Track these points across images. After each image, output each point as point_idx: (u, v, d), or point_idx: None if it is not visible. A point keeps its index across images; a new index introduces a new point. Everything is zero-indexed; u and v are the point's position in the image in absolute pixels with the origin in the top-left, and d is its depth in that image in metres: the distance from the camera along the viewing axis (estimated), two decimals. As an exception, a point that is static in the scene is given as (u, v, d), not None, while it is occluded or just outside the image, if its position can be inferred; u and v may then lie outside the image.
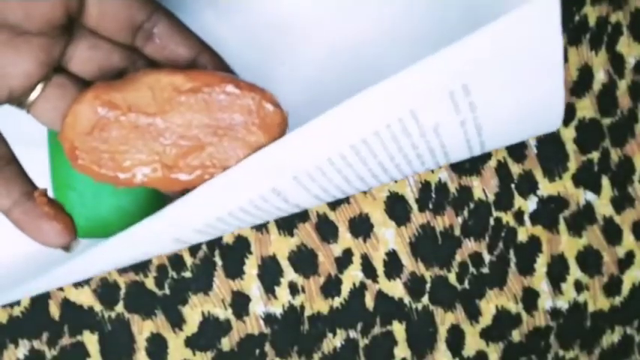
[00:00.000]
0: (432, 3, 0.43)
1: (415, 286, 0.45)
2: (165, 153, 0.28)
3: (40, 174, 0.40)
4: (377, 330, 0.45)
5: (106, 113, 0.27)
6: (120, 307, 0.42)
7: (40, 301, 0.41)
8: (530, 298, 0.47)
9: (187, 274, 0.43)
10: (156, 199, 0.40)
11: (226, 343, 0.44)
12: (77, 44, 0.28)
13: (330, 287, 0.45)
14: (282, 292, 0.44)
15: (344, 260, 0.45)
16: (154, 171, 0.28)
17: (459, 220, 0.45)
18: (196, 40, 0.30)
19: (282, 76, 0.43)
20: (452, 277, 0.46)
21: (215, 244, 0.43)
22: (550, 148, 0.47)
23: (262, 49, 0.42)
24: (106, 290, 0.42)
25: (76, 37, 0.28)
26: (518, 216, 0.47)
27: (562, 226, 0.48)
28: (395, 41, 0.43)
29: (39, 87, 0.28)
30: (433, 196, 0.44)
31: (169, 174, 0.28)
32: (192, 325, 0.43)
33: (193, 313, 0.43)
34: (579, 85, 0.47)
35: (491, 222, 0.46)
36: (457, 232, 0.45)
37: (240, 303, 0.44)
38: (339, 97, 0.43)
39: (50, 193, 0.39)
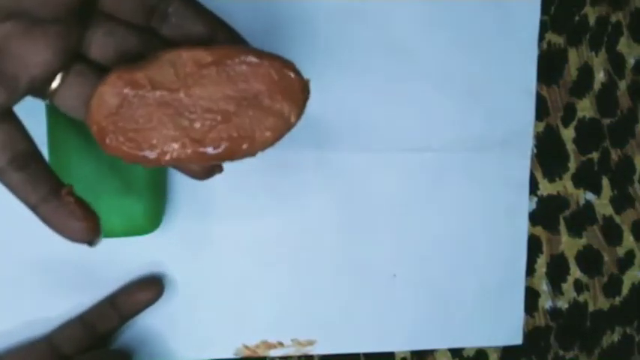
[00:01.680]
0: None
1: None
2: (192, 127, 0.28)
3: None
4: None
5: (130, 92, 0.28)
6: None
7: None
8: (530, 298, 0.47)
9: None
10: (156, 200, 0.40)
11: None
12: (94, 31, 0.29)
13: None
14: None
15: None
16: (182, 146, 0.28)
17: None
18: (212, 17, 0.29)
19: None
20: None
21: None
22: (550, 148, 0.47)
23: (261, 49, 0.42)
24: None
25: (93, 24, 0.28)
26: (519, 216, 0.47)
27: (562, 226, 0.48)
28: (394, 45, 0.43)
29: (59, 76, 0.28)
30: None
31: (198, 148, 0.28)
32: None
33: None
34: (579, 85, 0.47)
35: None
36: None
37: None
38: (338, 98, 0.43)
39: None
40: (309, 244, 0.44)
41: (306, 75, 0.42)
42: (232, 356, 0.44)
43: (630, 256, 0.49)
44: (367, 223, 0.45)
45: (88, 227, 0.28)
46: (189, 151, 0.28)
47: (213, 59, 0.28)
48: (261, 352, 0.45)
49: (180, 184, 0.43)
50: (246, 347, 0.44)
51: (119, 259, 0.42)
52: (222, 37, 0.29)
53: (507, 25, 0.44)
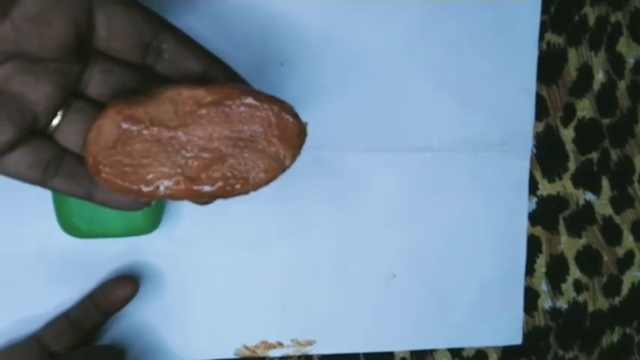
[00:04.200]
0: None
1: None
2: (187, 165, 0.28)
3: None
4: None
5: (128, 127, 0.28)
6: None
7: None
8: (529, 298, 0.47)
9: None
10: (155, 201, 0.40)
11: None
12: (92, 70, 0.29)
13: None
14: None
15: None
16: (176, 184, 0.29)
17: None
18: (205, 53, 0.30)
19: (282, 76, 0.42)
20: None
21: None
22: (550, 148, 0.47)
23: (261, 49, 0.42)
24: None
25: (90, 62, 0.29)
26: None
27: (562, 226, 0.48)
28: (394, 45, 0.43)
29: (60, 113, 0.29)
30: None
31: (192, 186, 0.29)
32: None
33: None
34: (579, 85, 0.47)
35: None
36: None
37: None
38: (338, 98, 0.43)
39: (49, 194, 0.39)
40: (308, 244, 0.44)
41: (305, 79, 0.42)
42: (232, 356, 0.44)
43: (630, 256, 0.49)
44: (367, 223, 0.45)
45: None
46: (182, 187, 0.29)
47: (212, 99, 0.28)
48: (260, 353, 0.45)
49: (180, 184, 0.42)
50: (246, 347, 0.44)
51: (118, 259, 0.42)
52: (215, 72, 0.30)
53: (507, 25, 0.44)
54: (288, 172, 0.43)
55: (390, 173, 0.44)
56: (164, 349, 0.43)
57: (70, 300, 0.41)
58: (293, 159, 0.29)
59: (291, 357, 0.45)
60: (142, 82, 0.30)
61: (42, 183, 0.29)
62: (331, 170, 0.44)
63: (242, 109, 0.28)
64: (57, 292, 0.41)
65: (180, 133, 0.28)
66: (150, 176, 0.28)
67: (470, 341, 0.47)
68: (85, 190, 0.30)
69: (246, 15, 0.41)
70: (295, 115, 0.29)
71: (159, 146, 0.28)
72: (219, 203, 0.43)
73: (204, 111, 0.28)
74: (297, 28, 0.42)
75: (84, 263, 0.42)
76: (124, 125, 0.28)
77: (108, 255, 0.42)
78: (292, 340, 0.45)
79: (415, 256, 0.45)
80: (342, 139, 0.44)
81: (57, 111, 0.29)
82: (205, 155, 0.28)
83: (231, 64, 0.40)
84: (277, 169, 0.29)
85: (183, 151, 0.28)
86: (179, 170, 0.28)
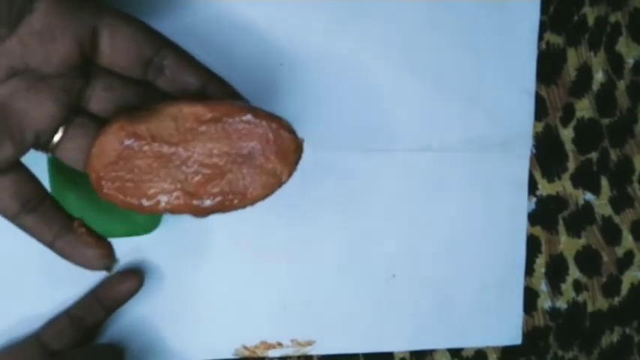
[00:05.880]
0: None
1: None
2: (187, 180, 0.29)
3: (39, 176, 0.39)
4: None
5: (130, 144, 0.29)
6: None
7: None
8: (529, 298, 0.47)
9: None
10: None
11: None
12: (94, 86, 0.30)
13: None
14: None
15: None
16: (176, 198, 0.29)
17: None
18: (204, 69, 0.31)
19: (281, 75, 0.42)
20: None
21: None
22: (549, 148, 0.47)
23: (260, 49, 0.42)
24: None
25: (93, 79, 0.30)
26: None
27: (561, 227, 0.48)
28: (394, 44, 0.44)
29: (61, 129, 0.29)
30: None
31: (191, 201, 0.29)
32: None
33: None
34: (578, 85, 0.47)
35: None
36: None
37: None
38: (338, 97, 0.43)
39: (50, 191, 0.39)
40: (308, 244, 0.44)
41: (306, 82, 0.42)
42: (232, 356, 0.44)
43: (629, 256, 0.49)
44: (367, 223, 0.45)
45: (102, 254, 0.30)
46: (182, 202, 0.29)
47: (212, 116, 0.29)
48: (260, 353, 0.44)
49: (180, 184, 0.42)
50: (246, 348, 0.44)
51: (118, 258, 0.42)
52: (213, 88, 0.30)
53: (507, 25, 0.44)
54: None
55: (390, 173, 0.44)
56: (164, 350, 0.43)
57: (70, 300, 0.41)
58: (289, 175, 0.30)
59: (290, 357, 0.45)
60: (143, 97, 0.31)
61: (14, 217, 0.29)
62: (331, 170, 0.44)
63: (241, 125, 0.29)
64: (57, 292, 0.41)
65: (180, 149, 0.29)
66: (151, 191, 0.29)
67: (469, 341, 0.47)
68: (52, 237, 0.30)
69: (245, 15, 0.41)
70: (292, 132, 0.29)
71: (160, 162, 0.29)
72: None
73: (204, 127, 0.29)
74: (297, 27, 0.42)
75: (83, 263, 0.42)
76: (127, 142, 0.29)
77: (107, 255, 0.42)
78: (292, 341, 0.45)
79: (415, 256, 0.45)
80: (342, 139, 0.44)
81: (59, 128, 0.29)
82: (205, 171, 0.29)
83: (230, 63, 0.40)
84: (274, 184, 0.30)
85: (183, 167, 0.29)
86: (179, 185, 0.29)
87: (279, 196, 0.43)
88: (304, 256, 0.44)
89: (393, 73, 0.44)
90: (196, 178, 0.29)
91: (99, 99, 0.30)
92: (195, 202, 0.29)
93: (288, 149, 0.29)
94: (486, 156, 0.45)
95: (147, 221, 0.39)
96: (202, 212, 0.30)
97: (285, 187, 0.43)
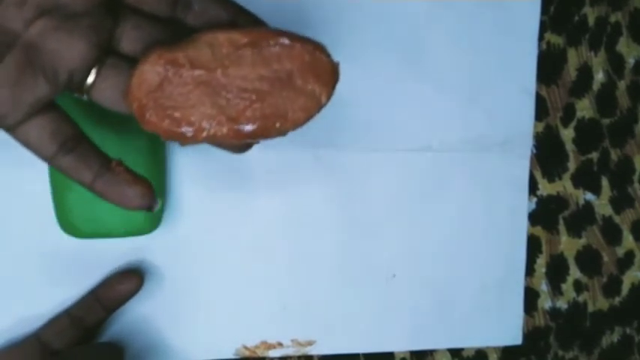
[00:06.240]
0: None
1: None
2: (228, 106, 0.29)
3: (39, 176, 0.39)
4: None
5: (170, 71, 0.29)
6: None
7: None
8: (529, 298, 0.47)
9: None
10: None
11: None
12: (123, 26, 0.30)
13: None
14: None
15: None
16: (219, 124, 0.29)
17: None
18: (232, 3, 0.31)
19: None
20: None
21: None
22: (550, 148, 0.47)
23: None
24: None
25: (122, 18, 0.30)
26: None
27: (562, 227, 0.48)
28: (394, 44, 0.44)
29: (94, 70, 0.29)
30: None
31: (234, 126, 0.29)
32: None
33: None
34: (579, 85, 0.47)
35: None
36: None
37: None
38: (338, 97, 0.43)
39: (49, 194, 0.39)
40: (308, 244, 0.44)
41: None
42: (232, 356, 0.44)
43: (630, 256, 0.49)
44: (367, 223, 0.45)
45: (143, 192, 0.30)
46: (225, 128, 0.29)
47: (248, 41, 0.29)
48: (260, 353, 0.44)
49: (180, 184, 0.42)
50: (246, 348, 0.44)
51: (118, 258, 0.42)
52: (243, 21, 0.30)
53: (507, 25, 0.44)
54: (288, 172, 0.43)
55: (390, 173, 0.44)
56: (164, 349, 0.43)
57: (70, 299, 0.41)
58: (328, 97, 0.30)
59: (291, 357, 0.45)
60: (173, 34, 0.31)
61: (53, 158, 0.29)
62: (331, 170, 0.44)
63: (277, 49, 0.29)
64: (57, 292, 0.41)
65: (219, 75, 0.29)
66: (192, 118, 0.29)
67: (470, 341, 0.47)
68: (92, 177, 0.30)
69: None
70: (328, 54, 0.30)
71: (200, 88, 0.29)
72: (219, 202, 0.43)
73: (240, 52, 0.29)
74: (296, 28, 0.42)
75: (84, 263, 0.42)
76: (166, 69, 0.29)
77: (108, 255, 0.42)
78: (292, 341, 0.45)
79: (415, 256, 0.45)
80: (342, 138, 0.44)
81: (91, 68, 0.29)
82: (245, 95, 0.29)
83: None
84: (314, 107, 0.30)
85: (223, 92, 0.29)
86: (220, 111, 0.29)
87: (279, 196, 0.43)
88: (304, 256, 0.44)
89: (393, 73, 0.44)
90: (237, 103, 0.29)
91: (129, 39, 0.30)
92: (237, 127, 0.29)
93: (326, 71, 0.30)
94: (486, 156, 0.45)
95: (147, 221, 0.39)
96: (245, 137, 0.30)
97: (285, 186, 0.43)
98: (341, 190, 0.44)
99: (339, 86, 0.44)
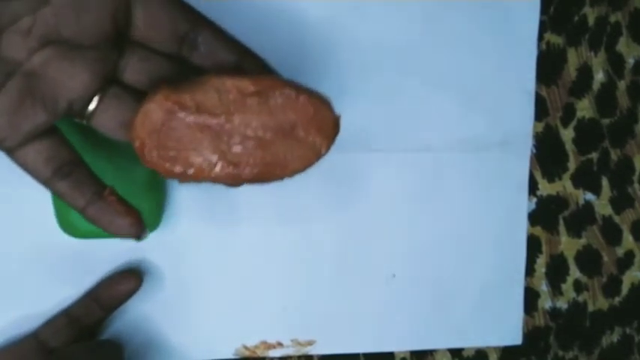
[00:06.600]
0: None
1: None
2: (229, 151, 0.30)
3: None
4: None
5: (175, 112, 0.29)
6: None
7: None
8: (529, 298, 0.47)
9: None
10: (156, 200, 0.40)
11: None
12: (129, 58, 0.30)
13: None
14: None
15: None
16: (219, 167, 0.30)
17: None
18: (239, 45, 0.31)
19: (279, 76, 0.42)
20: None
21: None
22: (550, 148, 0.47)
23: (258, 50, 0.42)
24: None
25: (127, 50, 0.30)
26: (518, 216, 0.47)
27: (561, 227, 0.48)
28: (394, 44, 0.44)
29: (96, 98, 0.30)
30: None
31: (233, 170, 0.30)
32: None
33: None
34: (579, 85, 0.47)
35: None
36: None
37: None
38: (338, 98, 0.43)
39: (49, 194, 0.39)
40: (308, 244, 0.44)
41: (309, 79, 0.42)
42: (232, 356, 0.44)
43: (630, 256, 0.49)
44: (367, 222, 0.45)
45: (131, 222, 0.31)
46: (225, 172, 0.30)
47: (256, 89, 0.29)
48: (260, 353, 0.45)
49: (180, 184, 0.43)
50: (246, 347, 0.44)
51: (118, 258, 0.42)
52: (249, 65, 0.31)
53: (507, 25, 0.44)
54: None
55: (390, 173, 0.44)
56: (164, 349, 0.43)
57: (69, 299, 0.41)
58: (328, 148, 0.31)
59: (291, 357, 0.45)
60: (178, 71, 0.31)
61: (48, 181, 0.30)
62: (331, 170, 0.44)
63: (283, 100, 0.29)
64: (56, 291, 0.41)
65: (223, 120, 0.29)
66: (194, 160, 0.30)
67: (470, 341, 0.47)
68: (84, 203, 0.30)
69: (243, 15, 0.41)
70: (332, 109, 0.30)
71: (204, 132, 0.29)
72: (219, 202, 0.43)
73: (247, 100, 0.29)
74: (296, 29, 0.42)
75: (83, 263, 0.42)
76: (171, 110, 0.29)
77: (108, 255, 0.42)
78: (292, 340, 0.45)
79: (415, 256, 0.45)
80: (342, 139, 0.43)
81: (92, 97, 0.30)
82: (247, 142, 0.30)
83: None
84: (313, 157, 0.31)
85: (225, 137, 0.30)
86: (222, 155, 0.30)
87: (279, 196, 0.43)
88: (304, 256, 0.44)
89: (393, 73, 0.44)
90: (239, 149, 0.30)
91: (134, 70, 0.30)
92: (237, 172, 0.30)
93: (328, 124, 0.30)
94: (486, 156, 0.45)
95: (147, 221, 0.39)
96: (244, 181, 0.30)
97: (284, 186, 0.43)
98: (341, 190, 0.44)
99: (339, 86, 0.45)
